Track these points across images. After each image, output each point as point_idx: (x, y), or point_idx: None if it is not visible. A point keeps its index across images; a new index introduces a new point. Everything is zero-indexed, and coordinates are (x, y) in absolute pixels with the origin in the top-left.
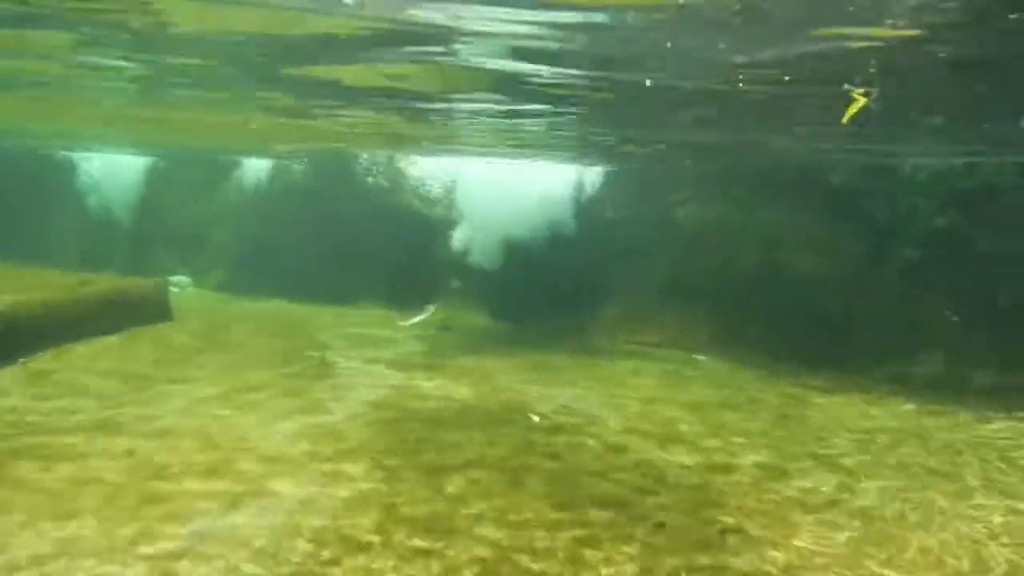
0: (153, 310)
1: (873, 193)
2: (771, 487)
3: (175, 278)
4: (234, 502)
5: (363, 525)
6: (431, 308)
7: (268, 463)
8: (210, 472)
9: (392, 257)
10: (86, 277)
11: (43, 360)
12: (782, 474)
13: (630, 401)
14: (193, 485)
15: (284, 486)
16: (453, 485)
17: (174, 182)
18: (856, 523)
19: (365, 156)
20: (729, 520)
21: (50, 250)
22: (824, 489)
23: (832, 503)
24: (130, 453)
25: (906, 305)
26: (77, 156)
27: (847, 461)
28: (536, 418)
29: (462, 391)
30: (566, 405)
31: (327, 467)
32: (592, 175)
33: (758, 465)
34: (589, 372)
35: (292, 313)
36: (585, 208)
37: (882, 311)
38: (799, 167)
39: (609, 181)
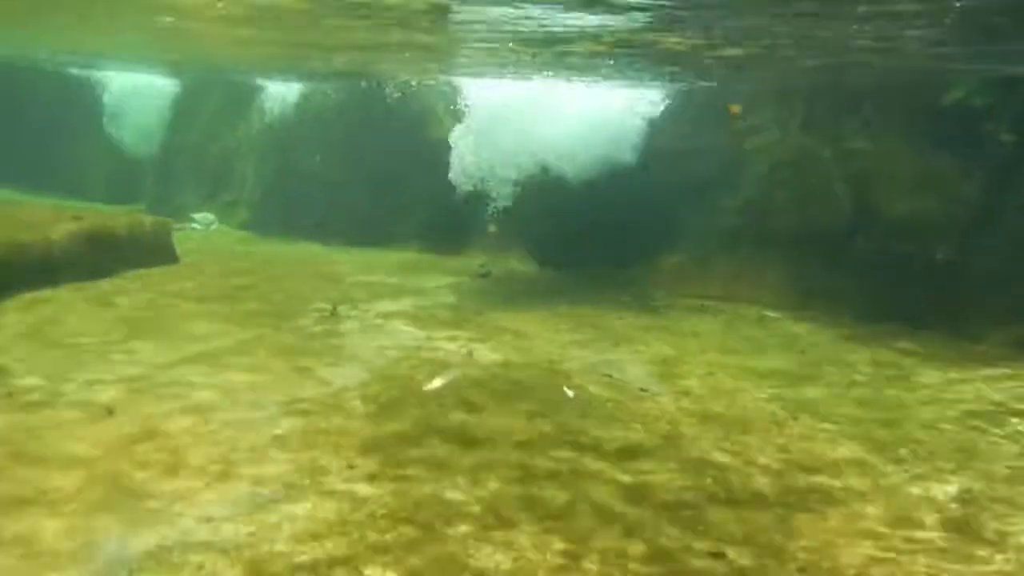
0: (155, 252)
1: (995, 114)
2: (869, 497)
3: (199, 215)
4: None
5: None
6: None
7: (223, 455)
8: (141, 471)
9: (428, 193)
10: (79, 212)
11: (8, 308)
12: (881, 475)
13: (689, 369)
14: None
15: (229, 491)
16: (454, 490)
17: (199, 108)
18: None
19: (399, 79)
20: (814, 546)
21: (76, 180)
22: (945, 504)
23: (960, 526)
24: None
25: None
26: (101, 76)
27: (977, 460)
28: (571, 393)
29: (487, 356)
30: (610, 375)
31: (299, 460)
32: (648, 98)
33: (852, 464)
34: (641, 332)
35: (317, 256)
36: (641, 138)
37: (1005, 261)
38: (897, 84)
39: (667, 105)
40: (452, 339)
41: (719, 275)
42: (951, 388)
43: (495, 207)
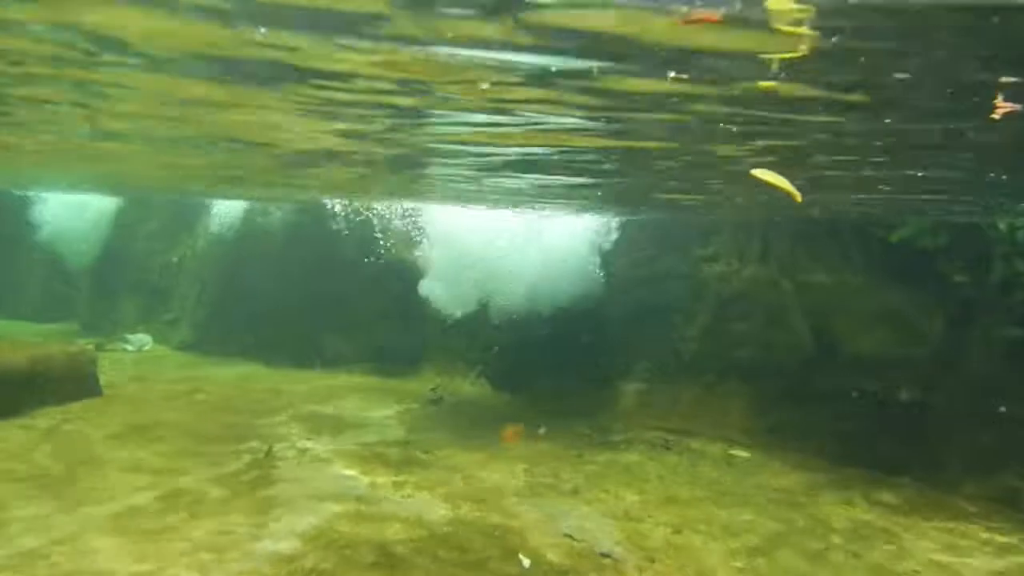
0: (74, 384)
1: (947, 254)
2: None
3: (134, 336)
4: None
5: None
6: None
7: None
8: None
9: (378, 314)
10: None
11: None
12: None
13: (653, 525)
14: None
15: None
16: None
17: (140, 224)
18: None
19: (348, 202)
20: None
21: (4, 298)
22: None
23: None
24: None
25: (1004, 398)
26: (35, 196)
27: None
28: (527, 562)
29: (435, 510)
30: (569, 535)
31: None
32: (608, 225)
33: None
34: (603, 475)
35: (256, 382)
36: (600, 264)
37: (971, 403)
38: (857, 220)
39: (628, 232)
40: (398, 486)
41: (682, 405)
42: (934, 559)
43: (451, 330)
